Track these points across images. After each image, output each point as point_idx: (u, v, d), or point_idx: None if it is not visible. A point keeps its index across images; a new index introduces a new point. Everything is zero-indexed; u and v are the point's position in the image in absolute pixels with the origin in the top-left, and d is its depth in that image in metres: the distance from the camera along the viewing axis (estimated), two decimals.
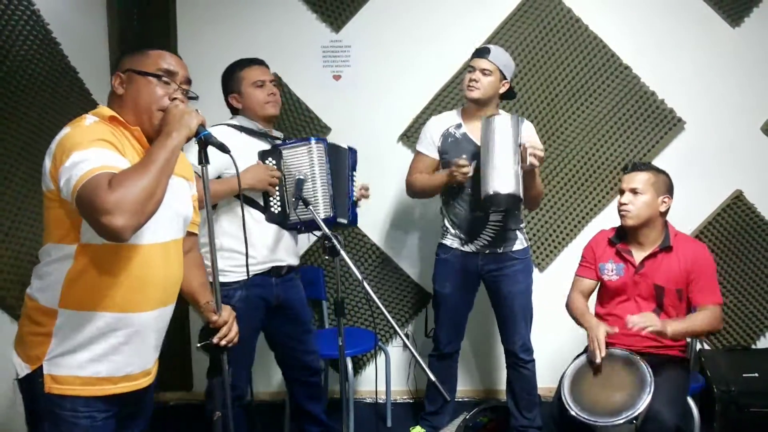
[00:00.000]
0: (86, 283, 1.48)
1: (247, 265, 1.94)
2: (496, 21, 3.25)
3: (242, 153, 2.30)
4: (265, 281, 2.42)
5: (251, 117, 2.43)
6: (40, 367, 1.47)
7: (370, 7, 3.28)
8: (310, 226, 2.35)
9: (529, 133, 2.55)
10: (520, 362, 2.78)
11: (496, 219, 2.66)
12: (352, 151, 2.54)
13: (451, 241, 2.76)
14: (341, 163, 2.46)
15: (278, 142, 2.43)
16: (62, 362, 1.48)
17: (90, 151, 1.39)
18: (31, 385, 1.48)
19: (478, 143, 2.56)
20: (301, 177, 2.29)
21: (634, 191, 2.38)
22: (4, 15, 2.32)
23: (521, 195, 2.41)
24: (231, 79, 2.44)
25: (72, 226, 1.47)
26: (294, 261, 2.50)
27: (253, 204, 2.37)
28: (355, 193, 2.52)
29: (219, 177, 2.30)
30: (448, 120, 2.74)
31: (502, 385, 3.05)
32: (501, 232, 2.68)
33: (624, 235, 2.48)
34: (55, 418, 1.48)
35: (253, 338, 2.50)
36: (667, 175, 2.45)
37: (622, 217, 2.41)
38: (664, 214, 2.42)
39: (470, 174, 2.53)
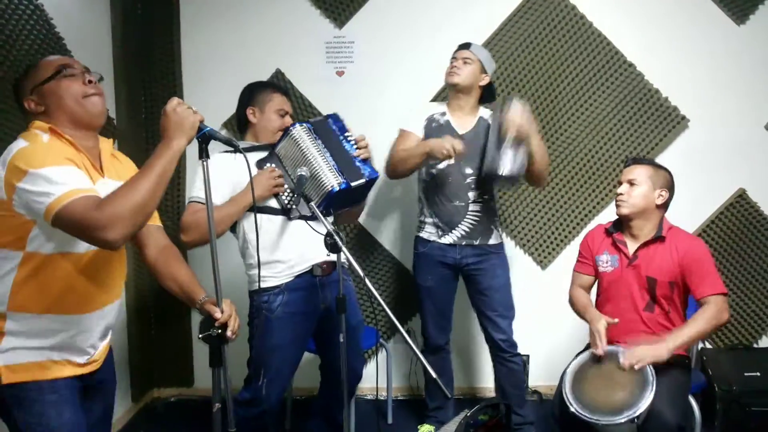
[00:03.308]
0: (32, 288, 1.53)
1: (258, 278, 2.03)
2: (499, 17, 3.24)
3: (244, 170, 2.27)
4: (308, 282, 2.33)
5: (256, 136, 2.40)
6: None
7: (373, 3, 3.27)
8: (329, 204, 2.26)
9: (514, 108, 2.57)
10: (506, 355, 2.79)
11: (475, 209, 2.71)
12: (332, 117, 2.39)
13: (428, 234, 2.80)
14: (329, 134, 2.35)
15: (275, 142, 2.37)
16: (16, 354, 1.54)
17: (58, 169, 1.43)
18: None
19: (460, 132, 2.70)
20: (303, 174, 2.23)
21: (631, 182, 2.40)
22: (8, 9, 2.32)
23: (507, 173, 2.52)
24: (258, 94, 2.41)
25: (19, 236, 1.51)
26: (335, 257, 2.36)
27: (271, 211, 2.31)
28: (356, 152, 2.34)
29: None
30: (435, 108, 2.81)
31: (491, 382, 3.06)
32: (478, 223, 2.72)
33: (620, 227, 2.50)
34: (20, 402, 1.54)
35: (295, 350, 2.38)
36: (667, 171, 2.45)
37: (617, 206, 2.43)
38: (660, 207, 2.41)
39: (452, 161, 2.54)
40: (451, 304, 2.92)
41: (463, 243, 2.74)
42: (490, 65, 2.76)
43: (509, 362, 2.80)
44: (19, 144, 1.49)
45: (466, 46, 2.75)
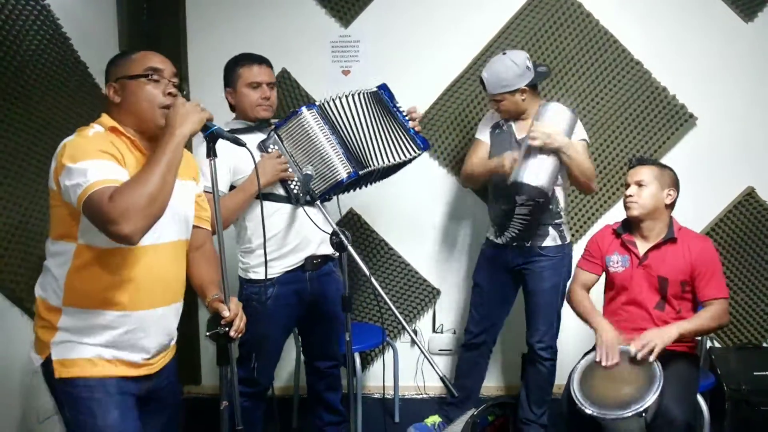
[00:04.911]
0: (86, 282, 1.55)
1: (266, 265, 2.02)
2: (506, 16, 3.23)
3: (244, 155, 2.27)
4: (298, 277, 2.37)
5: (242, 117, 2.39)
6: (49, 355, 1.56)
7: (379, 2, 3.27)
8: (332, 189, 2.28)
9: (545, 116, 2.49)
10: (539, 358, 2.78)
11: (523, 212, 2.68)
12: (382, 88, 2.47)
13: (490, 233, 2.86)
14: (372, 108, 2.39)
15: (274, 124, 2.35)
16: (68, 348, 1.56)
17: (91, 162, 1.46)
18: (46, 373, 1.58)
19: (518, 136, 2.68)
20: (309, 173, 2.23)
21: (639, 183, 2.40)
22: (15, 10, 2.33)
23: (539, 186, 2.41)
24: (229, 73, 2.39)
25: (72, 225, 1.54)
26: (330, 250, 2.33)
27: (275, 198, 2.31)
28: (410, 124, 2.44)
29: (232, 187, 2.28)
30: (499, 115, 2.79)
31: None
32: (528, 225, 2.69)
33: (629, 228, 2.49)
34: (71, 399, 1.56)
35: (283, 336, 2.50)
36: (672, 170, 2.46)
37: (627, 208, 2.43)
38: (669, 207, 2.43)
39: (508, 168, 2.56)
40: (500, 308, 2.91)
41: (514, 244, 2.73)
42: (515, 80, 2.58)
43: (541, 364, 2.79)
44: (69, 138, 1.54)
45: (483, 87, 2.65)
